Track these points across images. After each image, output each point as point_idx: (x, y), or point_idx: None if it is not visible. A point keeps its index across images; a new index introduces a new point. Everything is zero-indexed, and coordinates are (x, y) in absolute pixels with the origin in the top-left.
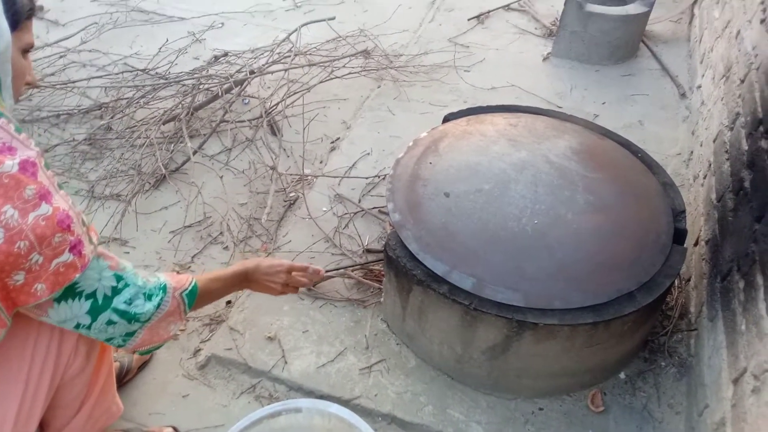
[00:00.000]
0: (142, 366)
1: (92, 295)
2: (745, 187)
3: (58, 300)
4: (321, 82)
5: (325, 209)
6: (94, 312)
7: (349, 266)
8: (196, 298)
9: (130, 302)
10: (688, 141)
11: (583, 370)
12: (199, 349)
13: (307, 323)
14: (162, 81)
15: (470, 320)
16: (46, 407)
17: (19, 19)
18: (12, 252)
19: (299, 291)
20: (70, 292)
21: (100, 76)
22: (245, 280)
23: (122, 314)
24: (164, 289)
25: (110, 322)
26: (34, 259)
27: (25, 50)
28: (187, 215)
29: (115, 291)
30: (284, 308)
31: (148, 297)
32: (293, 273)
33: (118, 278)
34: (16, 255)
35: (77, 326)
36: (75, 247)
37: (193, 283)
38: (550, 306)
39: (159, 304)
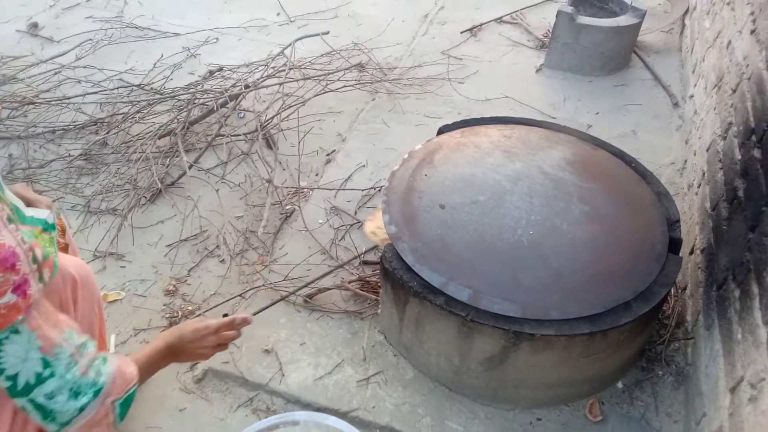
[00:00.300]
0: None
1: (13, 377)
2: (738, 196)
3: None
4: (316, 95)
5: (321, 221)
6: (11, 392)
7: (273, 302)
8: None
9: (51, 396)
10: (681, 150)
11: (581, 380)
12: (196, 363)
13: (304, 335)
14: (157, 96)
15: (467, 331)
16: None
17: None
18: None
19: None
20: None
21: (96, 92)
22: (169, 354)
23: (38, 407)
24: (97, 392)
25: (24, 408)
26: None
27: None
28: (183, 229)
29: (39, 380)
30: (281, 321)
31: (74, 395)
32: (221, 332)
33: (46, 364)
34: None
35: None
36: (19, 287)
37: (132, 390)
38: (547, 317)
39: (83, 408)
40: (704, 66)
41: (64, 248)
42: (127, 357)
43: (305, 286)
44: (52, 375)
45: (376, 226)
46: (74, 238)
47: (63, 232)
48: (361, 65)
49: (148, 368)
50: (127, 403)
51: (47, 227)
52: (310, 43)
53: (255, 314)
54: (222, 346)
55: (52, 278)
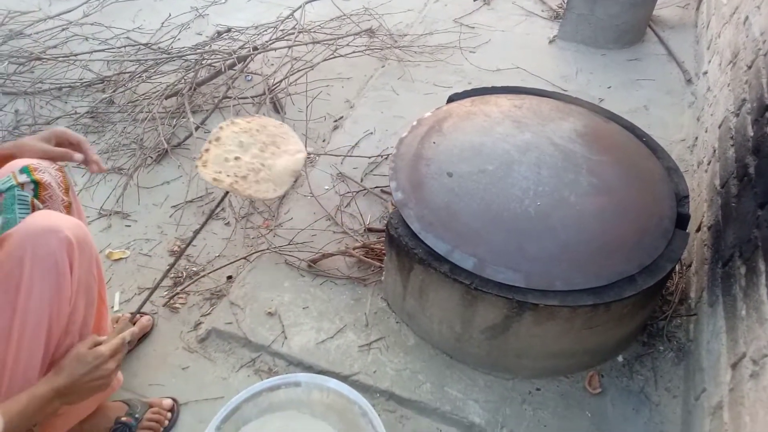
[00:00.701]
0: (143, 337)
1: None
2: (749, 173)
3: None
4: (324, 60)
5: (327, 187)
6: None
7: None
8: None
9: None
10: (693, 127)
11: (582, 352)
12: (200, 323)
13: (308, 300)
14: (165, 56)
15: (470, 300)
16: (46, 360)
17: None
18: None
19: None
20: None
21: (103, 50)
22: (56, 398)
23: None
24: None
25: None
26: None
27: None
28: (188, 190)
29: None
30: (285, 284)
31: None
32: (114, 355)
33: None
34: None
35: None
36: None
37: None
38: (551, 287)
39: None
40: (720, 42)
41: (68, 206)
42: (10, 402)
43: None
44: None
45: (204, 161)
46: (79, 196)
47: (67, 189)
48: (371, 31)
49: (25, 418)
50: None
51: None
52: (320, 6)
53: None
54: (116, 368)
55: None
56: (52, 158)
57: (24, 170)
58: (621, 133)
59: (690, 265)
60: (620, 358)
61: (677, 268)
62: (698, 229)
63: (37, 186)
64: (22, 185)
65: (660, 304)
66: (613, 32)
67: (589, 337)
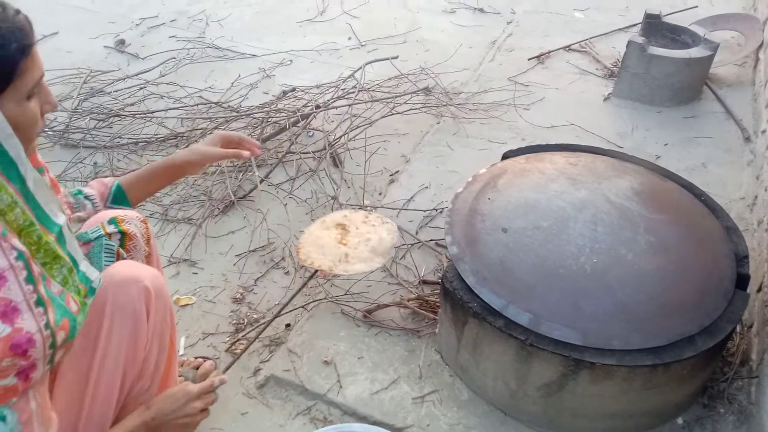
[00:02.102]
0: None
1: None
2: None
3: None
4: (383, 117)
5: None
6: None
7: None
8: None
9: None
10: (752, 185)
11: (640, 413)
12: (259, 369)
13: (363, 350)
14: (234, 113)
15: (526, 356)
16: (111, 419)
17: (12, 71)
18: None
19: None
20: None
21: (177, 108)
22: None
23: None
24: None
25: None
26: None
27: (30, 94)
28: (252, 240)
29: None
30: (340, 334)
31: None
32: (203, 396)
33: None
34: None
35: None
36: (23, 372)
37: None
38: (609, 346)
39: None
40: None
41: (148, 256)
42: None
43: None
44: None
45: (305, 253)
46: None
47: (148, 240)
48: (428, 89)
49: None
50: None
51: (90, 292)
52: (379, 66)
53: (225, 371)
54: (205, 411)
55: (65, 342)
56: (226, 158)
57: (112, 221)
58: (678, 191)
59: (751, 326)
60: (680, 420)
61: (738, 329)
62: (759, 290)
63: (124, 236)
64: (109, 235)
65: (720, 365)
66: (668, 90)
67: (647, 398)
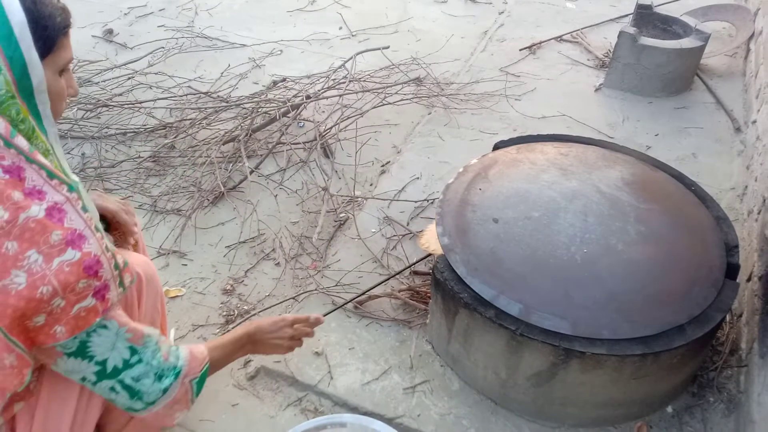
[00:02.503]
0: None
1: (102, 363)
2: None
3: (69, 354)
4: (374, 107)
5: (374, 230)
6: (100, 375)
7: (349, 300)
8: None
9: (137, 379)
10: (742, 175)
11: (630, 402)
12: (249, 360)
13: (354, 341)
14: (223, 104)
15: (516, 346)
16: (101, 412)
17: (54, 41)
18: (34, 297)
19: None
20: (82, 352)
21: (166, 98)
22: (249, 343)
23: (126, 388)
24: (177, 374)
25: (113, 390)
26: (56, 303)
27: (64, 68)
28: (242, 231)
29: (126, 365)
30: (332, 325)
31: (158, 378)
32: (296, 325)
33: (133, 352)
34: (38, 300)
35: (82, 380)
36: (99, 292)
37: (204, 368)
38: (598, 335)
39: (166, 389)
40: None
41: (134, 245)
42: (214, 341)
43: (362, 294)
44: (139, 361)
45: (427, 239)
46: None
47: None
48: (419, 79)
49: (227, 354)
50: (201, 381)
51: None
52: (370, 56)
53: (325, 315)
54: (296, 341)
55: (132, 283)
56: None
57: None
58: (669, 181)
59: (741, 316)
60: (669, 409)
61: (727, 318)
62: (749, 279)
63: (108, 224)
64: None
65: (710, 354)
66: (659, 81)
67: (637, 387)
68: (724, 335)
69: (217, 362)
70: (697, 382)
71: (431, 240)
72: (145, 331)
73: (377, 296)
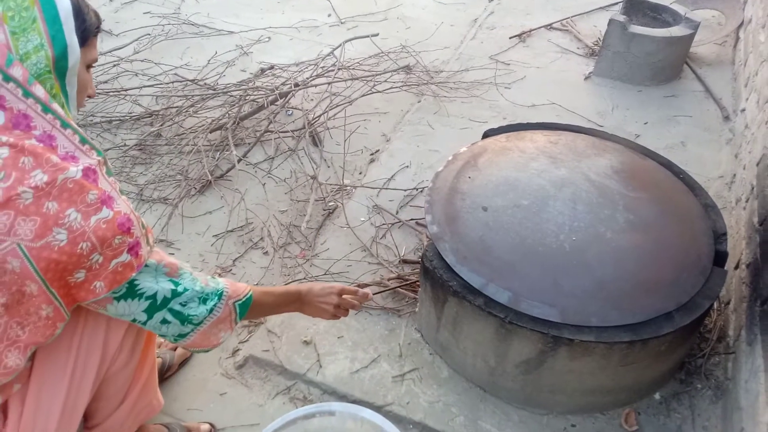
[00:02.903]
0: (183, 363)
1: (152, 296)
2: None
3: (118, 298)
4: (363, 95)
5: (363, 219)
6: (151, 310)
7: (395, 284)
8: (249, 309)
9: (185, 304)
10: (731, 164)
11: (618, 389)
12: (238, 349)
13: (343, 329)
14: (210, 91)
15: (505, 333)
16: (90, 399)
17: (87, 36)
18: (75, 252)
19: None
20: (132, 292)
21: (152, 85)
22: (298, 300)
23: (176, 314)
24: (220, 295)
25: (165, 321)
26: (95, 259)
27: (89, 65)
28: (230, 220)
29: (174, 293)
30: None
31: (203, 301)
32: (344, 295)
33: (176, 283)
34: (79, 255)
35: (134, 320)
36: (132, 249)
37: (248, 295)
38: (587, 323)
39: (212, 309)
40: (757, 80)
41: None
42: (267, 288)
43: (383, 289)
44: (185, 289)
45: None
46: None
47: None
48: (408, 67)
49: (278, 302)
50: (245, 306)
51: None
52: (359, 44)
53: (375, 294)
54: (341, 310)
55: (156, 243)
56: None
57: None
58: (658, 169)
59: (728, 303)
60: (657, 396)
61: (715, 305)
62: (737, 267)
63: None
64: None
65: (698, 341)
66: (649, 69)
67: (625, 374)
68: (712, 322)
69: (264, 306)
70: (684, 369)
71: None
72: (178, 264)
73: (366, 285)
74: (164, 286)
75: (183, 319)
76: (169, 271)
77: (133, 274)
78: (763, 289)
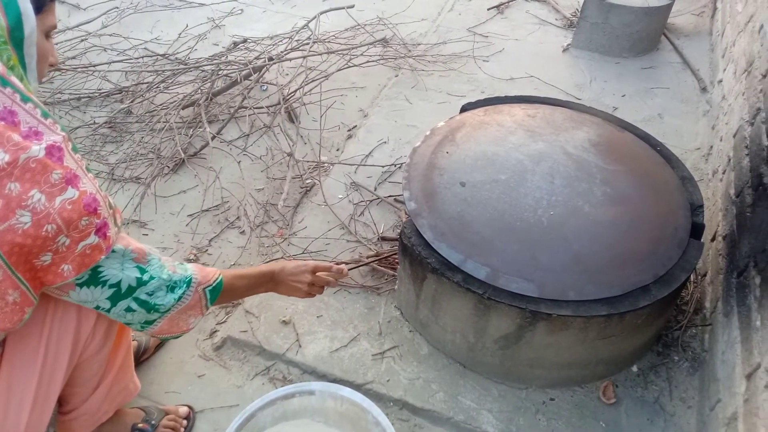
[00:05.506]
0: (160, 345)
1: (116, 284)
2: (764, 182)
3: (81, 285)
4: (339, 70)
5: (340, 196)
6: (115, 298)
7: (371, 260)
8: (219, 294)
9: (151, 294)
10: (707, 136)
11: (596, 362)
12: (216, 331)
13: (322, 308)
14: (182, 66)
15: (483, 309)
16: (63, 385)
17: (43, 2)
18: (40, 235)
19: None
20: (95, 279)
21: (121, 60)
22: (271, 280)
23: (142, 304)
24: (188, 282)
25: (129, 309)
26: (61, 242)
27: (48, 33)
28: (205, 199)
29: (140, 282)
30: None
31: (171, 289)
32: (318, 273)
33: (142, 271)
34: (44, 238)
35: (97, 308)
36: (100, 230)
37: (218, 280)
38: (564, 297)
39: (180, 297)
40: (734, 50)
41: None
42: (238, 270)
43: (360, 264)
44: (151, 278)
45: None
46: None
47: None
48: (385, 40)
49: (250, 284)
50: (215, 291)
51: None
52: (335, 16)
53: (350, 269)
54: (316, 287)
55: (123, 225)
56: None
57: None
58: (635, 142)
59: (705, 275)
60: (635, 368)
61: (692, 277)
62: (713, 239)
63: None
64: None
65: (675, 314)
66: (627, 40)
67: (603, 347)
68: (689, 295)
69: (236, 289)
70: (661, 342)
71: None
72: (146, 249)
73: (345, 263)
74: (129, 274)
75: (149, 307)
76: (137, 256)
77: (102, 257)
78: (740, 261)
